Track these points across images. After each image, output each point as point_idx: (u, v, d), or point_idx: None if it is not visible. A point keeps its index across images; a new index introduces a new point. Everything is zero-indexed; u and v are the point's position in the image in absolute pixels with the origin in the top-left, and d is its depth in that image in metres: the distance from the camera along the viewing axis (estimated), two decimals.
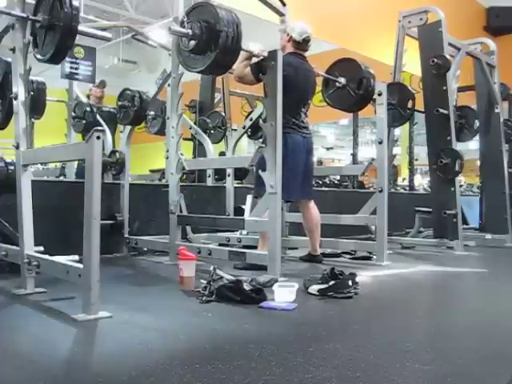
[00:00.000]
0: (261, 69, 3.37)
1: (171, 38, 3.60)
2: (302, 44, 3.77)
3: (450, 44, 5.15)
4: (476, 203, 6.89)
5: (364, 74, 4.07)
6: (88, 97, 5.48)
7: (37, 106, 3.64)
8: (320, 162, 13.11)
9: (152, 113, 4.94)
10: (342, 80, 4.13)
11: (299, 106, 3.71)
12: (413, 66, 5.44)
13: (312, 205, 3.86)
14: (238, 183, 5.32)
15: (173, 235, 3.71)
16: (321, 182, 8.72)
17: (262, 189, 3.28)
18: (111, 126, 4.93)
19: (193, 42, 2.84)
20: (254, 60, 3.47)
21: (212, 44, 2.78)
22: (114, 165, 4.20)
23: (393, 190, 7.17)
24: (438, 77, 4.88)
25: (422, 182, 12.86)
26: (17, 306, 2.37)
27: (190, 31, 2.83)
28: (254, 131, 5.04)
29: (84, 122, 4.82)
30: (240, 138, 4.83)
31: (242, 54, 3.39)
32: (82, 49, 4.10)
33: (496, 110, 5.87)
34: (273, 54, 3.13)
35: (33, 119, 3.65)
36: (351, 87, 4.10)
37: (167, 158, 3.89)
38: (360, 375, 1.47)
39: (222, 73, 3.12)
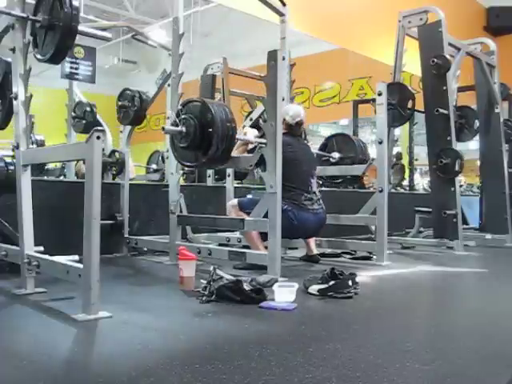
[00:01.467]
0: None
1: (171, 37, 3.61)
2: (295, 127, 3.82)
3: (450, 44, 5.15)
4: (476, 203, 6.89)
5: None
6: None
7: None
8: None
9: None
10: (336, 156, 4.38)
11: (307, 180, 3.76)
12: (413, 66, 5.44)
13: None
14: (237, 183, 5.31)
15: (173, 235, 3.71)
16: (321, 182, 8.72)
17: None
18: None
19: (187, 139, 2.90)
20: (251, 146, 3.62)
21: (205, 143, 2.83)
22: (114, 165, 4.21)
23: (393, 191, 7.17)
24: (438, 77, 4.88)
25: (421, 182, 12.84)
26: (17, 306, 2.37)
27: (183, 129, 2.89)
28: None
29: (84, 122, 4.82)
30: None
31: (239, 142, 3.56)
32: (82, 49, 4.11)
33: (496, 110, 5.87)
34: (272, 54, 3.13)
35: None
36: (346, 163, 4.39)
37: (167, 158, 3.89)
38: (360, 375, 1.47)
39: (218, 166, 3.30)
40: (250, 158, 3.27)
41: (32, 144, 4.40)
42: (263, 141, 3.19)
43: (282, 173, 3.06)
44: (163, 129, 2.92)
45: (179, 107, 3.02)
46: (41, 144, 5.24)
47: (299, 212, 3.62)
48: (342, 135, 4.37)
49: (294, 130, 3.82)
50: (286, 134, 3.70)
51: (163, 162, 5.24)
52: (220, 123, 2.79)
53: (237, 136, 3.09)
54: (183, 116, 2.92)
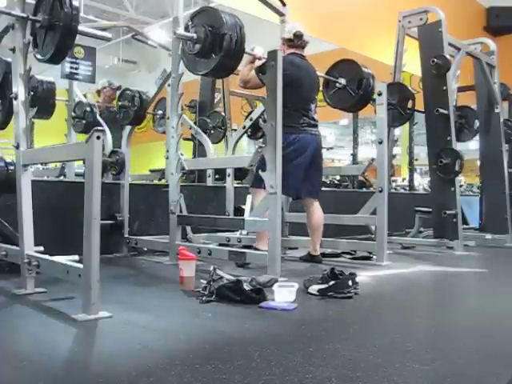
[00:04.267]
0: (265, 71, 3.36)
1: (171, 38, 3.61)
2: (295, 40, 3.77)
3: (450, 44, 5.15)
4: (476, 203, 6.89)
5: (364, 75, 4.11)
6: (98, 94, 5.47)
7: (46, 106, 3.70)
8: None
9: (160, 112, 4.94)
10: (342, 81, 4.17)
11: (307, 103, 3.74)
12: (413, 66, 5.44)
13: (317, 204, 3.87)
14: (237, 183, 5.31)
15: (173, 235, 3.71)
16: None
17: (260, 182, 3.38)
18: (118, 126, 4.92)
19: (198, 46, 2.90)
20: (258, 63, 3.52)
21: (216, 47, 2.83)
22: (114, 165, 4.21)
23: (393, 190, 7.17)
24: (438, 77, 4.88)
25: (421, 182, 12.85)
26: (17, 306, 2.37)
27: (194, 35, 2.90)
28: (254, 131, 5.04)
29: (84, 121, 4.82)
30: (240, 138, 4.82)
31: (246, 58, 3.48)
32: (82, 49, 4.09)
33: (496, 110, 5.87)
34: (272, 54, 3.13)
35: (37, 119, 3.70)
36: (351, 88, 4.14)
37: (167, 158, 3.89)
38: (360, 375, 1.47)
39: (225, 75, 3.22)
40: (250, 158, 3.28)
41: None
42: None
43: (282, 94, 3.02)
44: (175, 33, 2.93)
45: (189, 17, 3.00)
46: None
47: (299, 135, 3.61)
48: (344, 61, 4.24)
49: (296, 44, 3.77)
50: (290, 54, 3.73)
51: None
52: (230, 29, 2.80)
53: (246, 50, 3.06)
54: (194, 23, 2.94)
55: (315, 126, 3.79)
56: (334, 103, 4.30)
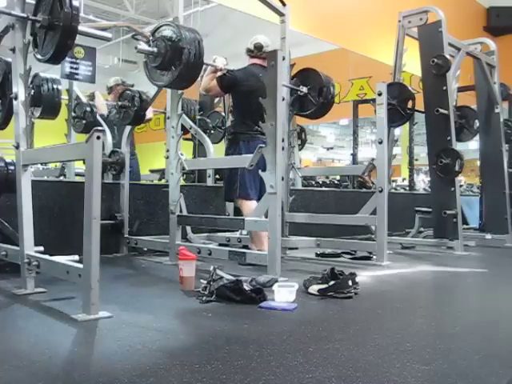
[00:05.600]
0: (224, 81, 3.77)
1: None
2: (255, 51, 3.94)
3: (450, 44, 5.15)
4: (476, 203, 6.90)
5: (324, 83, 4.21)
6: (109, 91, 5.46)
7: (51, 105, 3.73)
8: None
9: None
10: (304, 89, 4.28)
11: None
12: (413, 66, 5.44)
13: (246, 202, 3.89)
14: None
15: (173, 235, 3.71)
16: (321, 182, 8.75)
17: (233, 193, 3.72)
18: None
19: (158, 59, 3.06)
20: (219, 73, 3.80)
21: (176, 60, 2.99)
22: (114, 165, 4.21)
23: (393, 190, 7.18)
24: (438, 77, 4.88)
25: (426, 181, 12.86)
26: (17, 306, 2.37)
27: (155, 49, 3.05)
28: None
29: (84, 121, 4.82)
30: None
31: (208, 69, 3.81)
32: (82, 49, 4.09)
33: (496, 110, 5.87)
34: (272, 54, 3.13)
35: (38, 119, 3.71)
36: (313, 95, 4.27)
37: (167, 157, 3.89)
38: (360, 375, 1.47)
39: (185, 87, 3.40)
40: (250, 158, 3.27)
41: None
42: (230, 68, 3.44)
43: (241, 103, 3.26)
44: (136, 48, 3.07)
45: (151, 32, 3.18)
46: None
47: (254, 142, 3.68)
48: (306, 70, 4.34)
49: (256, 55, 3.93)
50: (251, 65, 3.95)
51: None
52: (189, 44, 2.96)
53: (205, 61, 3.24)
54: (155, 38, 3.10)
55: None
56: (296, 110, 4.41)
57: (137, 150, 5.63)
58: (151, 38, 3.10)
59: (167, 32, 3.05)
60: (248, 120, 3.79)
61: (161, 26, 3.13)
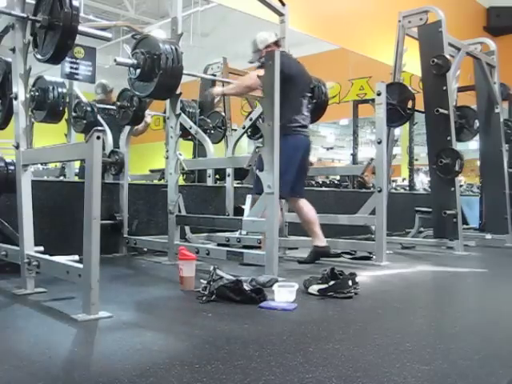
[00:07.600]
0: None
1: (170, 37, 3.62)
2: (272, 46, 3.86)
3: (450, 44, 5.15)
4: (476, 203, 6.90)
5: (314, 83, 4.19)
6: (111, 91, 5.47)
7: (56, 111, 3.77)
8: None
9: None
10: None
11: (302, 100, 3.78)
12: (413, 66, 5.44)
13: (303, 202, 3.86)
14: (237, 183, 5.31)
15: (171, 235, 3.71)
16: (321, 182, 8.75)
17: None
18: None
19: (138, 71, 3.15)
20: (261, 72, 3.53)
21: (155, 69, 3.09)
22: (114, 165, 4.21)
23: (393, 191, 7.18)
24: (438, 77, 4.88)
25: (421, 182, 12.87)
26: (17, 306, 2.37)
27: (135, 61, 3.14)
28: (254, 131, 5.04)
29: (84, 121, 4.82)
30: (240, 138, 4.82)
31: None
32: (81, 49, 4.09)
33: (496, 110, 5.87)
34: (270, 54, 3.13)
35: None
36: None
37: (167, 157, 3.89)
38: (360, 375, 1.47)
39: (168, 96, 3.43)
40: (248, 158, 3.28)
41: None
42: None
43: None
44: (115, 60, 3.15)
45: (132, 46, 3.27)
46: None
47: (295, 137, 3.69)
48: None
49: (280, 45, 3.89)
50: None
51: None
52: (167, 53, 3.06)
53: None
54: (135, 51, 3.20)
55: (306, 126, 3.84)
56: None
57: (137, 150, 5.63)
58: (131, 52, 3.20)
59: (144, 43, 3.17)
60: (290, 111, 3.65)
61: (141, 39, 3.25)
